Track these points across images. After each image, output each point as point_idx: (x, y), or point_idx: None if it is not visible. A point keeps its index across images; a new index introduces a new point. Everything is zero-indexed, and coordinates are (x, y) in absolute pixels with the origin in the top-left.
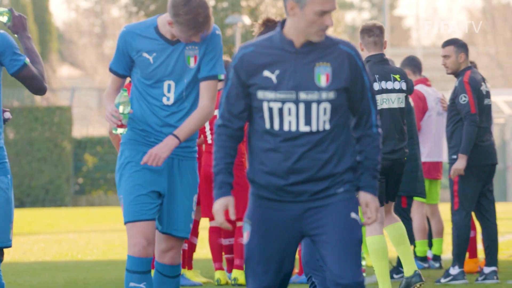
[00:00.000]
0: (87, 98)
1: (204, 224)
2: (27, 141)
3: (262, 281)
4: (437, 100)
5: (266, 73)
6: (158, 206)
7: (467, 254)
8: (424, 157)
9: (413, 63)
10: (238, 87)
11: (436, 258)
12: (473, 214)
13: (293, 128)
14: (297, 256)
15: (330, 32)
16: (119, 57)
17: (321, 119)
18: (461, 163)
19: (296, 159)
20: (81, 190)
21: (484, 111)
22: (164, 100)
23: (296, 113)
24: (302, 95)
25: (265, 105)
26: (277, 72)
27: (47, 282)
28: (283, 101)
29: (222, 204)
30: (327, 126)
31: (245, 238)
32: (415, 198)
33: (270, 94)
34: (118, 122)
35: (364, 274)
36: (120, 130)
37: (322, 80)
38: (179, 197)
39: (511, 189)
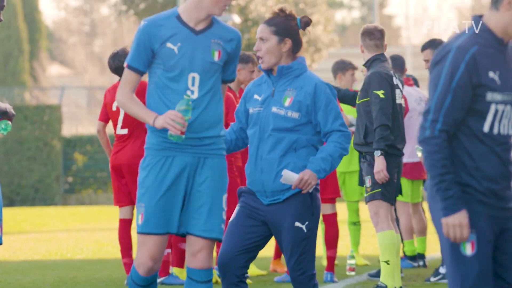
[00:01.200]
0: (76, 97)
1: None
2: (16, 140)
3: None
4: (419, 100)
5: (491, 74)
6: (178, 219)
7: None
8: (406, 158)
9: (395, 62)
10: (467, 89)
11: (421, 256)
12: None
13: (505, 131)
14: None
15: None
16: (140, 53)
17: None
18: None
19: (508, 163)
20: (70, 189)
21: None
22: (188, 94)
23: (509, 115)
24: None
25: (492, 108)
26: (498, 72)
27: (36, 281)
28: (505, 103)
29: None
30: None
31: (469, 249)
32: (399, 198)
33: (497, 96)
34: (183, 129)
35: (352, 273)
36: (179, 137)
37: None
38: (205, 197)
39: None
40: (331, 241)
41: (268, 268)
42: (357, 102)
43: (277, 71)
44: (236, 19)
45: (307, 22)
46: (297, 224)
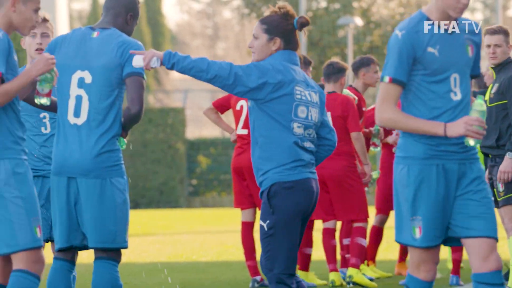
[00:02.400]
0: (200, 100)
1: (318, 225)
2: (141, 143)
3: None
4: None
5: None
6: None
7: None
8: None
9: None
10: None
11: None
12: None
13: None
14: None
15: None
16: (403, 64)
17: None
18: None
19: None
20: (195, 191)
21: None
22: (452, 96)
23: None
24: None
25: None
26: None
27: (162, 283)
28: None
29: None
30: None
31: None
32: None
33: None
34: (484, 133)
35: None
36: (477, 141)
37: None
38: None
39: None
40: None
41: (393, 271)
42: (489, 104)
43: None
44: (358, 21)
45: (303, 23)
46: (261, 222)
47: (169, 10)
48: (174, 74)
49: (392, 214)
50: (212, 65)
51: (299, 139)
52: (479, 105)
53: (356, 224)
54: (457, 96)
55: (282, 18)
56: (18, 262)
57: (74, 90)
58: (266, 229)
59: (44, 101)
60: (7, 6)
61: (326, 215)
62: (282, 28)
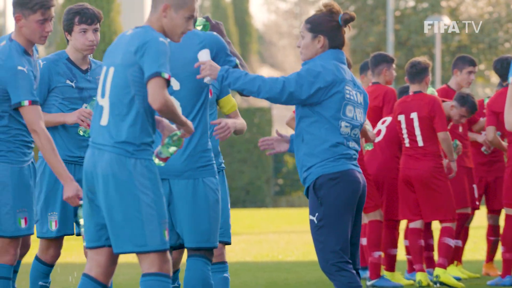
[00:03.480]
0: None
1: (403, 225)
2: (227, 143)
3: None
4: None
5: None
6: None
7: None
8: None
9: None
10: None
11: None
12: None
13: None
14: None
15: None
16: None
17: None
18: None
19: None
20: (281, 191)
21: None
22: None
23: None
24: None
25: None
26: None
27: (248, 282)
28: None
29: None
30: None
31: None
32: None
33: None
34: None
35: None
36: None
37: None
38: None
39: None
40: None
41: (480, 272)
42: None
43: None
44: (447, 20)
45: (347, 19)
46: (310, 217)
47: (256, 10)
48: (261, 73)
49: (477, 212)
50: (262, 87)
51: (344, 139)
52: None
53: (444, 224)
54: None
55: (326, 15)
56: (149, 265)
57: None
58: (316, 222)
59: (158, 162)
60: (159, 11)
61: (413, 215)
62: (325, 26)
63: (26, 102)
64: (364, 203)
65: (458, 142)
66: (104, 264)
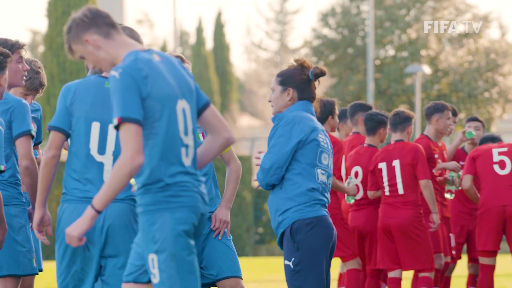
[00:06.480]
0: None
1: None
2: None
3: None
4: None
5: None
6: None
7: None
8: None
9: None
10: None
11: None
12: None
13: None
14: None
15: None
16: None
17: None
18: None
19: None
20: (261, 239)
21: None
22: None
23: None
24: None
25: None
26: None
27: None
28: None
29: None
30: None
31: None
32: None
33: None
34: None
35: None
36: None
37: None
38: None
39: None
40: None
41: None
42: None
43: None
44: (426, 69)
45: (317, 74)
46: (285, 262)
47: (237, 59)
48: (241, 121)
49: (459, 261)
50: (258, 178)
51: (320, 187)
52: None
53: (421, 274)
54: None
55: (297, 69)
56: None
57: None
58: (292, 266)
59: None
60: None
61: (392, 264)
62: (295, 79)
63: None
64: (335, 250)
65: (453, 174)
66: None
